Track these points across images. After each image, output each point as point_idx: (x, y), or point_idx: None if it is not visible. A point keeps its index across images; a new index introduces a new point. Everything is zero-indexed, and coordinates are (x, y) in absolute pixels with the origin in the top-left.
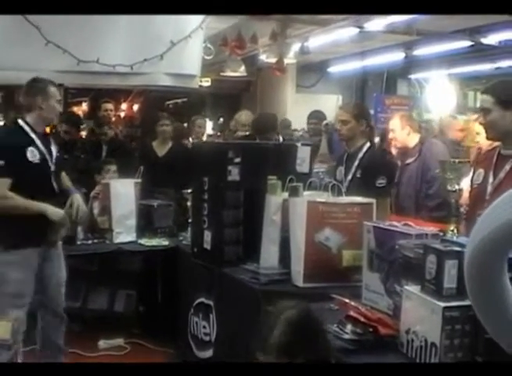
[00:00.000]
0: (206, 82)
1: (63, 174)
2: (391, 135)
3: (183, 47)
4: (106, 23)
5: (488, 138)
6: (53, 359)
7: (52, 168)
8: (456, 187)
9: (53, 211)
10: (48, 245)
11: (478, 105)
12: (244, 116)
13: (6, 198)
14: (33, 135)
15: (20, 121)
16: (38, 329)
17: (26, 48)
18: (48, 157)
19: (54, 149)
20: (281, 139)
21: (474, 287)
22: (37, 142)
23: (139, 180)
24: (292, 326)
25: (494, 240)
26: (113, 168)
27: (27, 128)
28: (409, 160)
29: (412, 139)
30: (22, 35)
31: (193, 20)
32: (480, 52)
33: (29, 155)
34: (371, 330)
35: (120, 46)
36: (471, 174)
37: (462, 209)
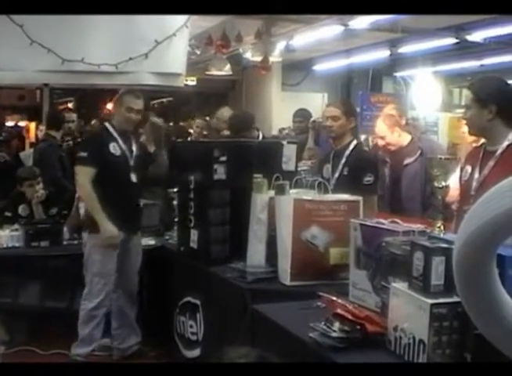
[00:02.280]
0: (191, 81)
1: None
2: (380, 142)
3: (168, 46)
4: (91, 22)
5: (470, 133)
6: (128, 340)
7: (131, 163)
8: (443, 184)
9: (106, 229)
10: (129, 232)
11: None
12: (226, 113)
13: (84, 188)
14: (115, 135)
15: (106, 124)
16: (114, 311)
17: (9, 48)
18: (128, 153)
19: (135, 148)
20: (261, 135)
21: (463, 284)
22: (119, 140)
23: None
24: None
25: (482, 236)
26: None
27: (111, 129)
28: (409, 161)
29: (404, 138)
30: (5, 34)
31: (178, 19)
32: (465, 50)
33: (111, 149)
34: (359, 327)
35: (104, 45)
36: (459, 171)
37: (453, 206)
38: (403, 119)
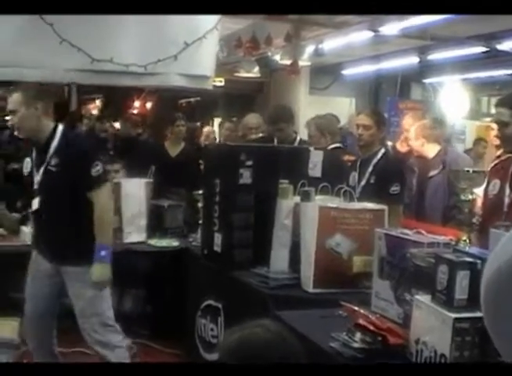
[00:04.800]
0: (219, 82)
1: (99, 220)
2: (407, 142)
3: (197, 48)
4: (121, 23)
5: (505, 151)
6: None
7: (36, 183)
8: (470, 197)
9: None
10: (51, 260)
11: (493, 115)
12: (251, 119)
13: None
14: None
15: None
16: None
17: (40, 46)
18: (35, 170)
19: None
20: (298, 138)
21: (491, 315)
22: (34, 152)
23: (151, 180)
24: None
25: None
26: (117, 167)
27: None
28: (433, 173)
29: (430, 150)
30: (36, 33)
31: (208, 21)
32: (494, 58)
33: (24, 165)
34: (380, 339)
35: (134, 46)
36: (485, 183)
37: (474, 219)
38: (435, 131)
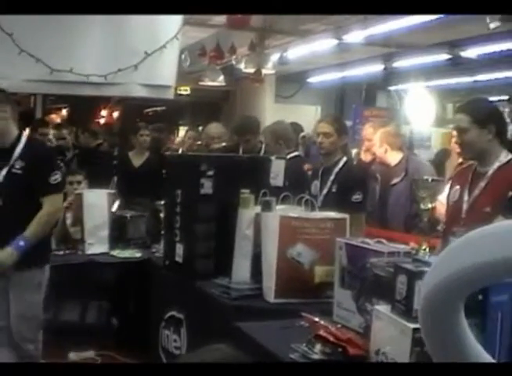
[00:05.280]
0: (185, 91)
1: (39, 219)
2: (368, 147)
3: (158, 57)
4: (80, 33)
5: (464, 158)
6: None
7: None
8: (429, 205)
9: None
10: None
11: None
12: (213, 128)
13: None
14: None
15: None
16: None
17: None
18: None
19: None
20: (263, 147)
21: (429, 333)
22: None
23: (113, 191)
24: None
25: (448, 288)
26: (79, 178)
27: None
28: (396, 181)
29: (393, 157)
30: None
31: (168, 30)
32: (458, 65)
33: None
34: (340, 350)
35: (94, 56)
36: (448, 190)
37: (439, 227)
38: (398, 138)
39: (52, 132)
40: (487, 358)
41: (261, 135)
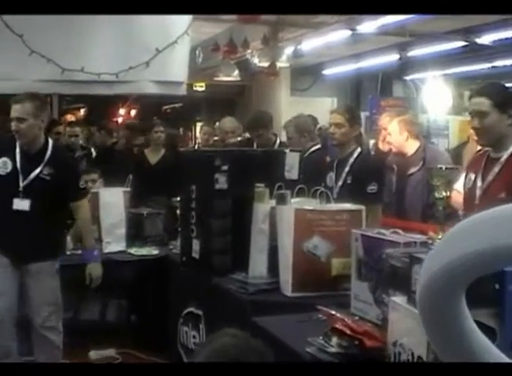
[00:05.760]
0: (200, 87)
1: (86, 229)
2: (387, 138)
3: (169, 54)
4: (91, 31)
5: (481, 143)
6: None
7: (21, 186)
8: (444, 194)
9: None
10: (17, 263)
11: (471, 106)
12: (227, 123)
13: None
14: (17, 149)
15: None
16: None
17: (9, 58)
18: (20, 173)
19: (41, 168)
20: (278, 141)
21: (429, 322)
22: (17, 155)
23: (128, 189)
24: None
25: (449, 275)
26: (94, 176)
27: (16, 142)
28: (413, 170)
29: (411, 146)
30: (5, 44)
31: (179, 27)
32: (474, 52)
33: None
34: (357, 343)
35: (105, 54)
36: (463, 178)
37: (459, 214)
38: (416, 126)
39: (64, 130)
40: (490, 347)
41: (283, 129)
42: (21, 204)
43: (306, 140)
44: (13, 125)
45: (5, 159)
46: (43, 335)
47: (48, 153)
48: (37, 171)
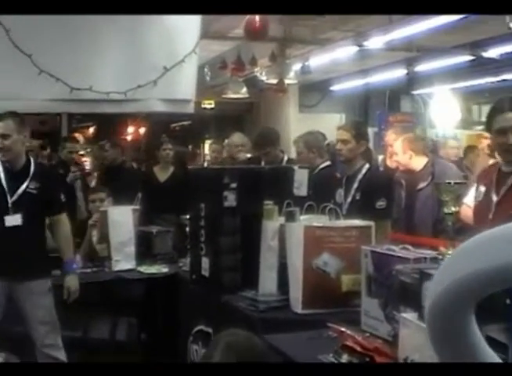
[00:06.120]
0: (209, 105)
1: (66, 241)
2: (393, 157)
3: (177, 72)
4: (99, 50)
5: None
6: None
7: (10, 202)
8: (453, 209)
9: None
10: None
11: (494, 122)
12: (236, 138)
13: None
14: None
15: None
16: None
17: (18, 77)
18: (7, 190)
19: (26, 184)
20: (286, 158)
21: (437, 338)
22: (1, 174)
23: (137, 207)
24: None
25: (458, 292)
26: (102, 195)
27: None
28: (422, 185)
29: (418, 162)
30: (14, 64)
31: (186, 45)
32: (481, 66)
33: None
34: (367, 359)
35: (113, 73)
36: (474, 191)
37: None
38: (421, 143)
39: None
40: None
41: (292, 146)
42: (12, 220)
43: (315, 156)
44: None
45: None
46: (45, 353)
47: (32, 167)
48: (24, 186)
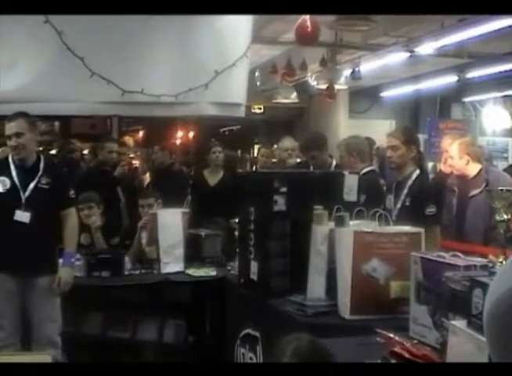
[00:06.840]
0: (259, 109)
1: (72, 235)
2: (448, 160)
3: (228, 76)
4: (150, 54)
5: None
6: None
7: (23, 199)
8: (505, 217)
9: None
10: (19, 276)
11: None
12: (286, 142)
13: None
14: (12, 166)
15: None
16: None
17: (70, 80)
18: (20, 188)
19: (36, 181)
20: (334, 163)
21: (495, 347)
22: (13, 172)
23: (187, 210)
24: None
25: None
26: (151, 201)
27: (10, 160)
28: (475, 192)
29: (472, 169)
30: (66, 67)
31: (237, 49)
32: None
33: None
34: None
35: (164, 76)
36: None
37: None
38: (477, 149)
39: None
40: None
41: (336, 150)
42: (22, 216)
43: (356, 161)
44: (12, 141)
45: (2, 178)
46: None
47: (42, 164)
48: (35, 181)
